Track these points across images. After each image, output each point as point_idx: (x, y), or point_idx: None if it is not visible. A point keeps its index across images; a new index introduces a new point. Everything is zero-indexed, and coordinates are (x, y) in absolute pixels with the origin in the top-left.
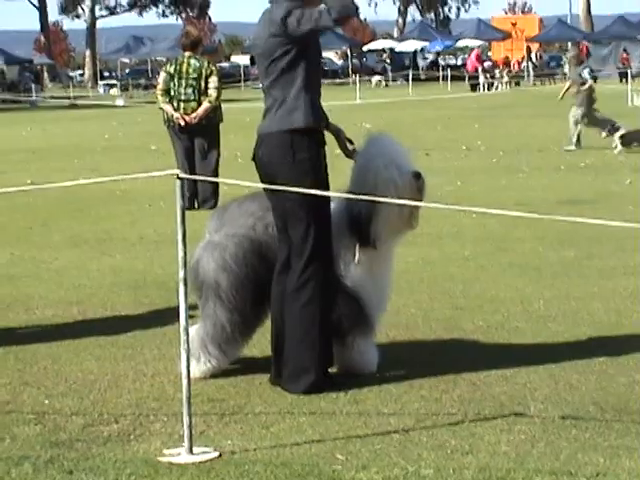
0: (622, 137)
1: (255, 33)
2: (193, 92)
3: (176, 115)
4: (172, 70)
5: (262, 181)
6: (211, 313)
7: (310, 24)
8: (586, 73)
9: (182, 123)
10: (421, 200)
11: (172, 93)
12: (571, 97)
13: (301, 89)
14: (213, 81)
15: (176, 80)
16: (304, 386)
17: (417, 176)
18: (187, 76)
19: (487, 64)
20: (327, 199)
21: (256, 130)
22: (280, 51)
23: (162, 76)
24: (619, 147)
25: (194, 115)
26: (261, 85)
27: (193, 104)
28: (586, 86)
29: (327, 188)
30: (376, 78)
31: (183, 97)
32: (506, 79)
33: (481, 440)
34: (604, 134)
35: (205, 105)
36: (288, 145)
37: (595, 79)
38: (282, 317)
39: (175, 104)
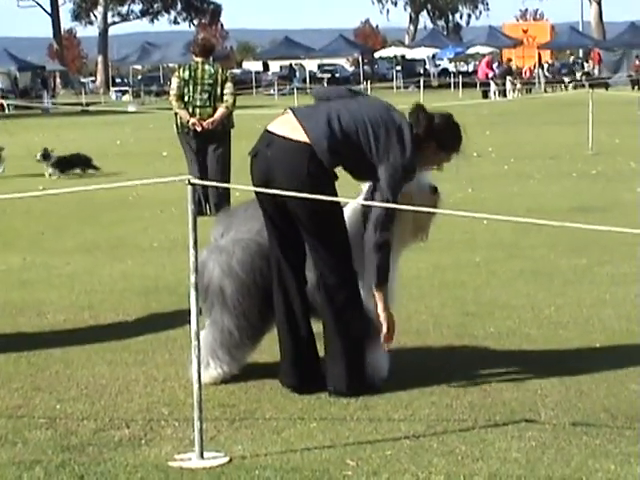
0: (56, 164)
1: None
2: (209, 98)
3: (192, 121)
4: (186, 76)
5: (256, 178)
6: (218, 319)
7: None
8: None
9: (199, 129)
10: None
11: (187, 99)
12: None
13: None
14: (229, 87)
15: (191, 86)
16: (358, 385)
17: (434, 190)
18: (202, 82)
19: (497, 68)
20: (341, 210)
21: (269, 127)
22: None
23: (175, 82)
24: (55, 173)
25: (211, 120)
26: (314, 88)
27: (209, 110)
28: None
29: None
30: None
31: (199, 103)
32: (518, 86)
33: (492, 446)
34: (38, 157)
35: (222, 110)
36: (305, 155)
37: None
38: (288, 322)
39: (190, 110)
